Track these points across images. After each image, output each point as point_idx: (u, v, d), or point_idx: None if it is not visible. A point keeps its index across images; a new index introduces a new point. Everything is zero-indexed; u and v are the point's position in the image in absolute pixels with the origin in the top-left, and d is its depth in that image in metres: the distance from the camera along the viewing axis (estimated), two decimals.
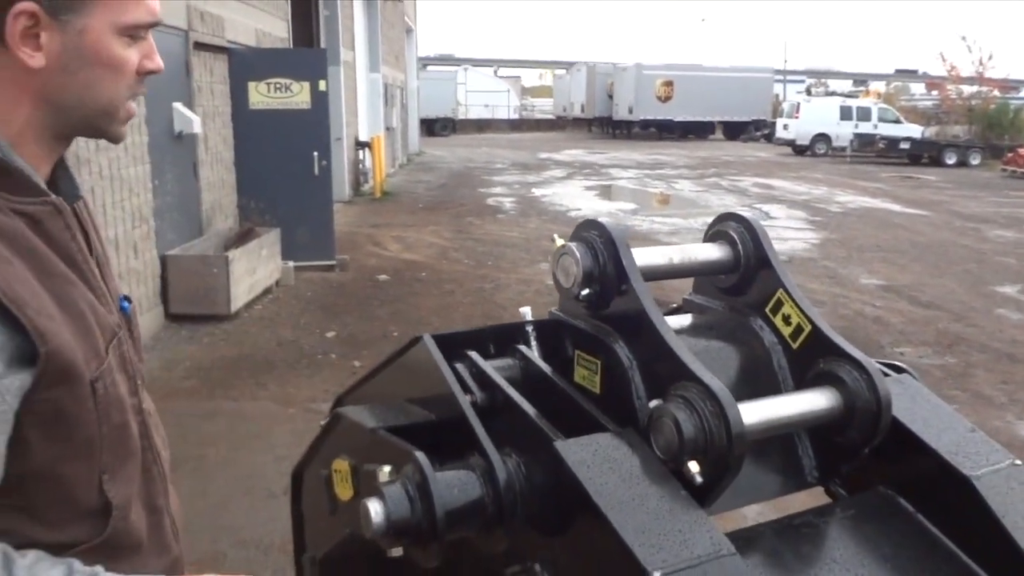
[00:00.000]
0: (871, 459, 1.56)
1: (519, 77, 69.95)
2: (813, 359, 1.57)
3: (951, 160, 27.88)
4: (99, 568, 1.09)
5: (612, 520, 1.20)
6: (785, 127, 33.57)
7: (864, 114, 32.21)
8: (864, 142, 29.46)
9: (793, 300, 1.64)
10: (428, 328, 7.11)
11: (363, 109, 18.40)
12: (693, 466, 1.30)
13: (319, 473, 1.86)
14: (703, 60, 45.21)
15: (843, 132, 31.00)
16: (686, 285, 1.84)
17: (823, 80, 69.74)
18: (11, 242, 1.02)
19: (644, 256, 1.64)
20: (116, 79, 1.10)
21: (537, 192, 18.05)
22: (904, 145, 28.58)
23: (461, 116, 48.22)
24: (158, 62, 1.14)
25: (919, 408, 1.61)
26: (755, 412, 1.40)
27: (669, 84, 40.87)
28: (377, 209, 14.76)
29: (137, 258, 6.79)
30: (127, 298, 1.28)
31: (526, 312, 1.77)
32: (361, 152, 16.86)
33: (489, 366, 1.59)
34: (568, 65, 51.83)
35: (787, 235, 12.68)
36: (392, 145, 22.40)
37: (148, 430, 1.28)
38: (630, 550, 1.16)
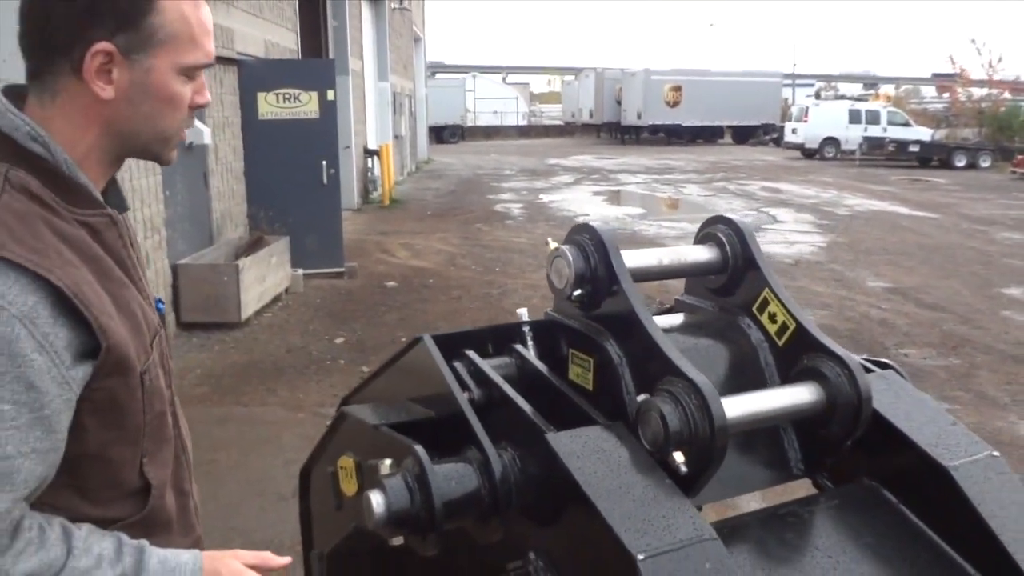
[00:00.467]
0: (856, 451, 1.62)
1: (528, 84, 70.14)
2: (798, 355, 1.63)
3: (961, 163, 27.82)
4: (144, 541, 1.22)
5: (600, 508, 1.27)
6: (794, 131, 33.56)
7: (873, 117, 32.17)
8: (873, 145, 29.43)
9: (779, 299, 1.70)
10: (439, 331, 7.14)
11: (371, 117, 18.53)
12: (678, 456, 1.36)
13: (326, 470, 1.93)
14: (711, 65, 45.40)
15: (852, 135, 30.97)
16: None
17: (832, 84, 69.66)
18: (78, 249, 1.16)
19: (634, 258, 1.70)
20: (173, 112, 1.24)
21: (545, 198, 18.13)
22: (913, 148, 28.54)
23: (470, 123, 48.38)
24: (207, 97, 1.28)
25: (901, 402, 1.66)
26: (738, 406, 1.46)
27: (678, 89, 40.92)
28: (386, 217, 14.86)
29: (149, 268, 6.88)
30: (160, 300, 1.41)
31: (523, 313, 1.84)
32: (370, 160, 16.97)
33: (486, 364, 1.66)
34: (576, 71, 51.94)
35: (794, 238, 12.71)
36: (401, 153, 22.53)
37: (177, 420, 1.41)
38: (616, 535, 1.22)
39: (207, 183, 8.57)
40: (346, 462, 1.72)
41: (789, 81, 52.25)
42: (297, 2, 12.33)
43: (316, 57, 14.06)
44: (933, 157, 28.41)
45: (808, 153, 32.38)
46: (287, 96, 9.28)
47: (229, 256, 8.29)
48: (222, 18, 8.82)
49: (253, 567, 1.40)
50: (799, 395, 1.55)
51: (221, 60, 8.90)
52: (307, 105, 9.38)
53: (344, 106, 13.76)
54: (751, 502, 2.32)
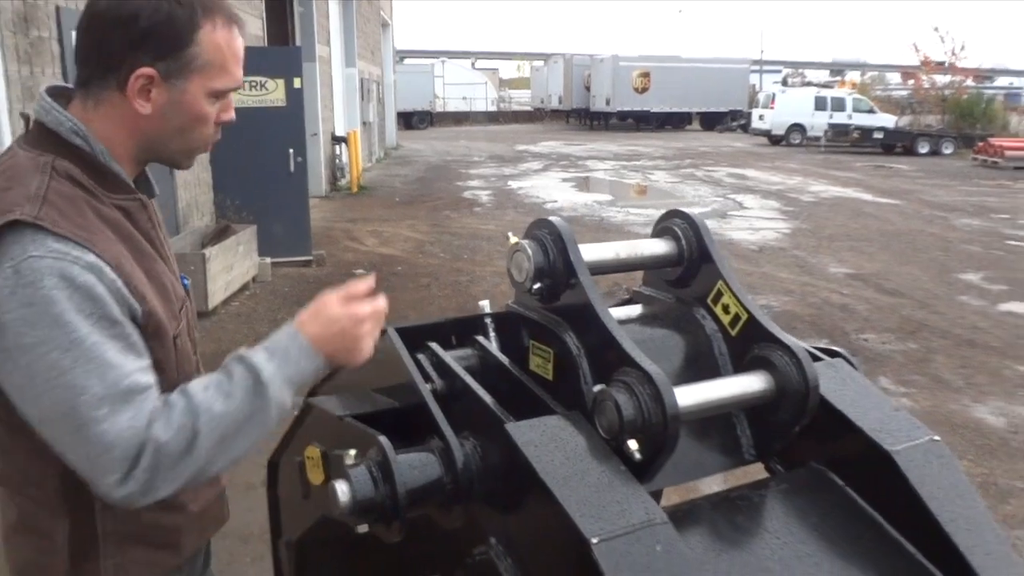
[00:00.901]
0: (805, 437, 1.68)
1: (497, 69, 69.87)
2: (749, 345, 1.69)
3: (924, 149, 28.23)
4: (239, 351, 1.36)
5: (556, 494, 1.32)
6: (761, 117, 33.82)
7: (838, 104, 32.50)
8: (838, 132, 29.74)
9: (732, 291, 1.76)
10: (403, 322, 7.17)
11: (339, 104, 18.41)
12: (632, 444, 1.42)
13: (293, 460, 1.97)
14: (680, 51, 45.54)
15: (818, 122, 31.27)
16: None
17: (799, 70, 70.18)
18: (115, 228, 1.32)
19: (592, 252, 1.75)
20: (201, 127, 1.40)
21: (514, 184, 18.14)
22: (878, 135, 28.89)
23: (439, 109, 48.16)
24: (231, 114, 1.44)
25: (848, 390, 1.73)
26: (690, 395, 1.52)
27: (646, 75, 41.03)
28: (354, 204, 14.80)
29: None
30: (185, 277, 1.59)
31: (484, 305, 1.88)
32: (337, 147, 16.87)
33: (449, 356, 1.71)
34: (545, 57, 51.86)
35: (759, 225, 12.86)
36: (369, 139, 22.41)
37: None
38: (572, 520, 1.28)
39: (172, 171, 8.50)
40: (312, 452, 1.76)
41: (757, 68, 52.58)
42: None
43: (282, 44, 13.93)
44: (897, 144, 28.78)
45: (775, 139, 32.67)
46: (253, 84, 9.21)
47: (195, 245, 8.23)
48: None
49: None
50: (749, 384, 1.62)
51: None
52: (274, 93, 9.32)
53: (311, 93, 13.67)
54: (712, 485, 2.40)
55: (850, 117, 31.32)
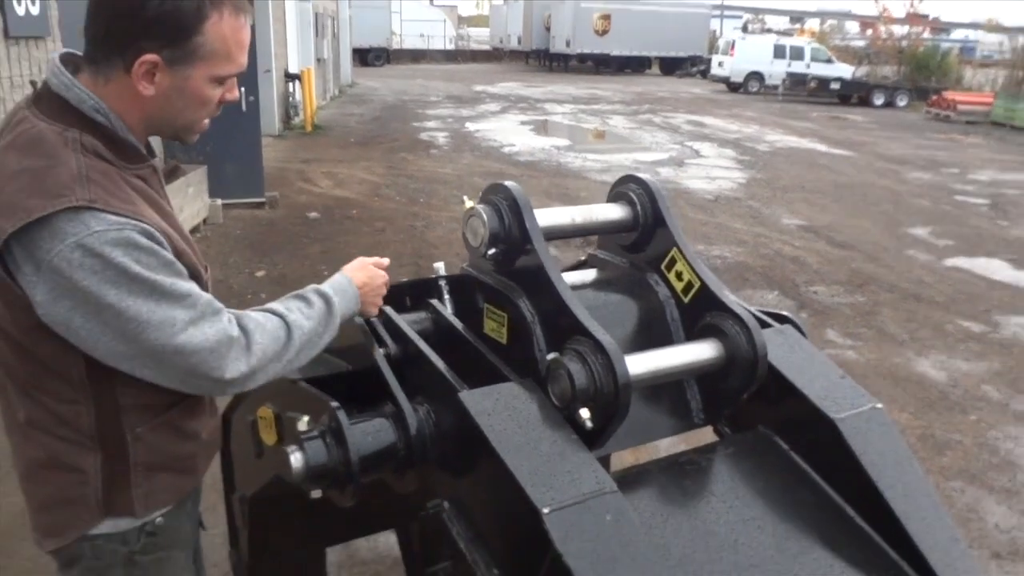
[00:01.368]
0: (753, 401, 1.72)
1: (456, 6, 68.50)
2: (701, 313, 1.72)
3: (879, 101, 28.48)
4: (310, 285, 1.61)
5: (509, 463, 1.34)
6: (720, 64, 33.75)
7: (797, 53, 32.51)
8: (796, 81, 29.82)
9: (685, 258, 1.77)
10: None
11: (292, 40, 17.92)
12: (584, 413, 1.44)
13: (245, 418, 1.96)
14: None
15: (776, 71, 31.31)
16: None
17: (760, 16, 69.96)
18: (143, 195, 1.42)
19: (547, 217, 1.75)
20: (201, 109, 1.47)
21: (471, 127, 17.94)
22: (835, 85, 29.04)
23: (395, 46, 47.14)
24: (235, 94, 1.51)
25: (795, 356, 1.77)
26: (642, 363, 1.54)
27: (607, 18, 40.57)
28: (308, 144, 14.52)
29: None
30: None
31: (439, 267, 1.88)
32: (291, 84, 16.47)
33: (402, 320, 1.70)
34: None
35: (715, 174, 12.92)
36: (323, 77, 21.92)
37: None
38: (523, 490, 1.30)
39: None
40: (265, 412, 1.76)
41: (718, 13, 52.30)
42: None
43: None
44: (853, 95, 28.99)
45: (733, 87, 32.68)
46: None
47: None
48: None
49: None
50: (700, 352, 1.64)
51: None
52: None
53: (263, 28, 13.29)
54: (671, 447, 2.44)
55: (808, 66, 31.39)
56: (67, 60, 1.44)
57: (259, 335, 1.43)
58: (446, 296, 1.83)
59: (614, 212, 1.83)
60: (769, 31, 49.79)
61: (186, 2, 1.35)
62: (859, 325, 6.26)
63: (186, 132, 1.51)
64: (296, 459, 1.44)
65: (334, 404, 1.49)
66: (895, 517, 1.53)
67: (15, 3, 5.70)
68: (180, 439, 1.55)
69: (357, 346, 1.68)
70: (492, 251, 1.66)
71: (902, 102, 28.56)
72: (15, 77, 5.78)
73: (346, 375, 1.71)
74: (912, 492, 1.57)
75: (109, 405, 1.44)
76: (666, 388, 1.76)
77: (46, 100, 1.41)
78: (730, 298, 1.69)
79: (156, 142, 8.99)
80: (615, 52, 41.21)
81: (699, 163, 13.99)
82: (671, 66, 43.21)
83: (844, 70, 31.24)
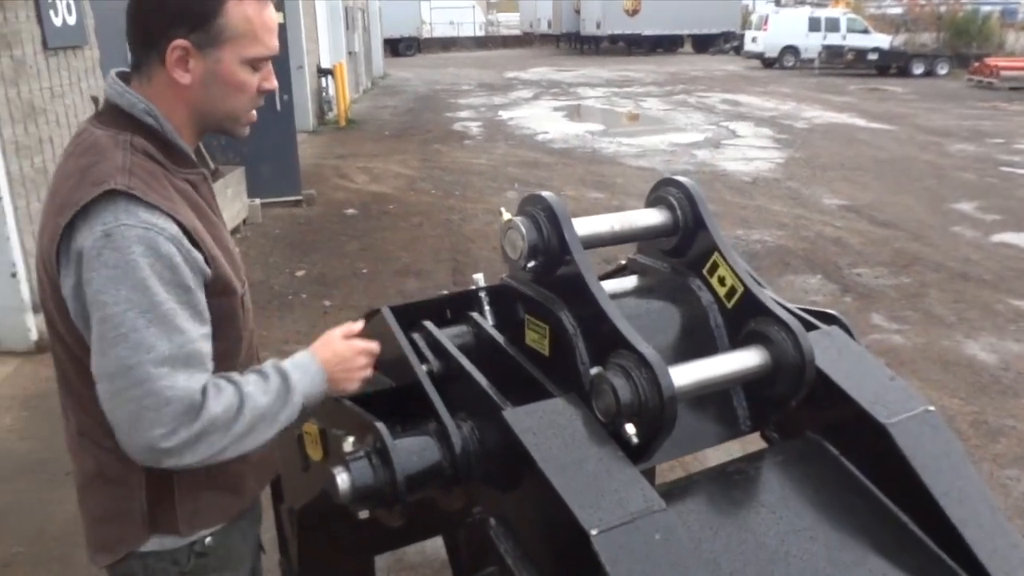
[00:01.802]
0: (801, 407, 1.69)
1: None
2: (746, 318, 1.69)
3: (919, 70, 27.83)
4: (271, 360, 1.54)
5: (555, 483, 1.32)
6: (754, 40, 33.21)
7: (832, 25, 31.88)
8: (832, 54, 29.25)
9: (727, 263, 1.74)
10: (396, 265, 7.20)
11: (324, 35, 17.99)
12: (630, 428, 1.42)
13: (292, 432, 1.97)
14: None
15: (812, 44, 30.73)
16: None
17: None
18: (186, 198, 1.47)
19: (586, 225, 1.73)
20: (239, 96, 1.50)
21: (504, 115, 17.89)
22: (872, 56, 28.42)
23: (426, 35, 47.14)
24: (274, 83, 1.54)
25: (844, 360, 1.73)
26: (686, 374, 1.52)
27: None
28: (342, 139, 14.59)
29: None
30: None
31: (479, 279, 1.87)
32: (324, 80, 16.55)
33: (443, 335, 1.70)
34: None
35: (753, 155, 12.75)
36: (355, 70, 21.99)
37: (252, 338, 1.71)
38: (571, 511, 1.29)
39: None
40: (310, 428, 1.77)
41: None
42: None
43: None
44: (891, 65, 28.35)
45: (768, 62, 32.15)
46: None
47: None
48: None
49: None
50: (746, 360, 1.61)
51: None
52: None
53: (294, 25, 13.35)
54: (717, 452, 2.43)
55: (844, 38, 30.77)
56: (122, 76, 1.51)
57: (212, 401, 1.37)
58: (486, 308, 1.82)
59: (653, 217, 1.81)
60: (803, 3, 48.82)
61: None
62: (905, 308, 6.14)
63: (232, 122, 1.54)
64: (343, 480, 1.45)
65: (379, 424, 1.49)
66: (951, 524, 1.49)
67: (52, 14, 5.78)
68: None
69: (399, 361, 1.68)
70: (532, 263, 1.64)
71: (942, 70, 27.87)
72: (55, 87, 5.87)
73: (389, 393, 1.71)
74: (968, 497, 1.53)
75: None
76: (712, 396, 1.74)
77: (104, 111, 1.50)
78: (774, 302, 1.66)
79: None
80: (646, 32, 40.74)
81: (736, 144, 13.81)
82: (704, 43, 42.61)
83: (881, 40, 30.56)
